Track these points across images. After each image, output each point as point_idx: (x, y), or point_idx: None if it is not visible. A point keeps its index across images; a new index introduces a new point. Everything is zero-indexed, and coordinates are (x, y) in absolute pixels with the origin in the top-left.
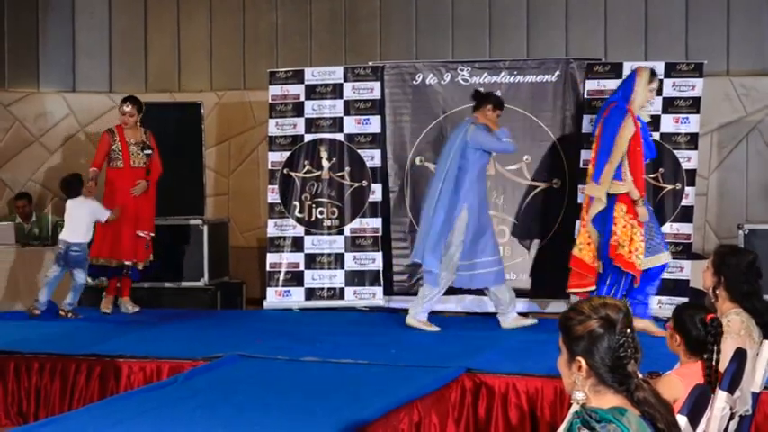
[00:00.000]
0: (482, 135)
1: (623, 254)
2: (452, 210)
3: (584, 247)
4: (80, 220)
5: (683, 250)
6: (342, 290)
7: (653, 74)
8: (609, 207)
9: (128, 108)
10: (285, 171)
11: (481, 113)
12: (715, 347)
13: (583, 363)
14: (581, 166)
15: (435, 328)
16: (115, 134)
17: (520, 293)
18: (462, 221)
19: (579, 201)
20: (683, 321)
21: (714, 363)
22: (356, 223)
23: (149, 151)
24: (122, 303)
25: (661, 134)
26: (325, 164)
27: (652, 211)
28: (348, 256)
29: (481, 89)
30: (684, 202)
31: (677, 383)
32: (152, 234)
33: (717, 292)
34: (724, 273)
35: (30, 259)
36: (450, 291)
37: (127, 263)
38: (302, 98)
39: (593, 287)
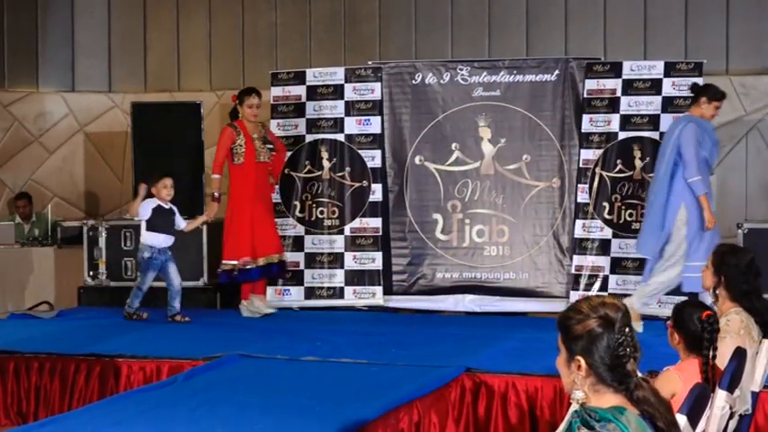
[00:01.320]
0: (688, 142)
1: None
2: (670, 208)
3: None
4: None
5: None
6: (341, 289)
7: None
8: None
9: (256, 100)
10: (286, 171)
11: (696, 107)
12: (711, 344)
13: (582, 362)
14: (580, 165)
15: (639, 328)
16: (239, 129)
17: (519, 293)
18: (682, 219)
19: (579, 200)
20: (682, 319)
21: (711, 359)
22: (356, 223)
23: (271, 146)
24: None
25: (660, 133)
26: (326, 164)
27: None
28: (348, 256)
29: (699, 82)
30: None
31: (675, 378)
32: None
33: (717, 292)
34: (724, 272)
35: (29, 259)
36: (450, 290)
37: (261, 261)
38: (303, 99)
39: None
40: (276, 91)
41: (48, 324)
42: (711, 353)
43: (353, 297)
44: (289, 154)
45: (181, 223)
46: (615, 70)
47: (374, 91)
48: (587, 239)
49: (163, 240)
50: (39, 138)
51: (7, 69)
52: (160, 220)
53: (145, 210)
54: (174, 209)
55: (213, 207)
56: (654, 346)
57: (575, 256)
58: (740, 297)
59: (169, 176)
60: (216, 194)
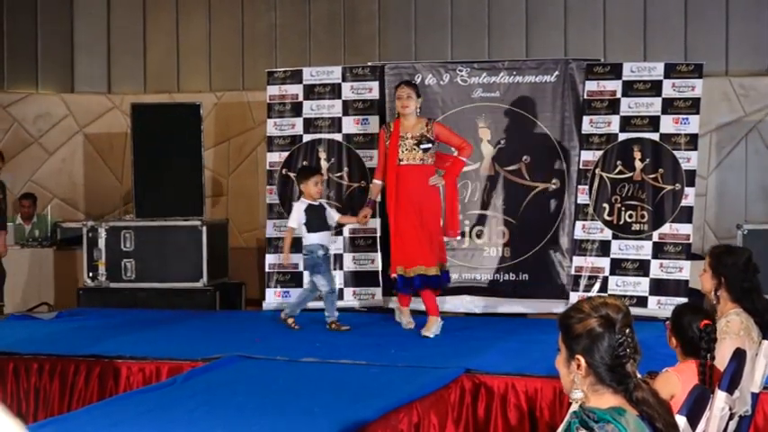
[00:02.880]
0: None
1: None
2: None
3: None
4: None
5: (683, 250)
6: (341, 290)
7: None
8: None
9: (403, 91)
10: (283, 171)
11: None
12: (708, 354)
13: (582, 361)
14: (580, 166)
15: None
16: (391, 128)
17: (519, 294)
18: None
19: (579, 201)
20: (680, 324)
21: (708, 368)
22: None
23: (427, 146)
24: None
25: (660, 135)
26: (324, 164)
27: None
28: (347, 257)
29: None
30: (684, 202)
31: (674, 379)
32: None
33: (718, 294)
34: (723, 273)
35: (29, 260)
36: (449, 291)
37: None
38: (300, 98)
39: None
40: (272, 90)
41: (47, 325)
42: (708, 361)
43: (353, 298)
44: (286, 154)
45: (334, 216)
46: (615, 72)
47: (372, 90)
48: (587, 241)
49: (322, 238)
50: (38, 139)
51: (7, 70)
52: (314, 219)
53: (299, 216)
54: (324, 203)
55: (362, 211)
56: (653, 347)
57: (574, 258)
58: (742, 296)
59: (320, 173)
60: (370, 198)
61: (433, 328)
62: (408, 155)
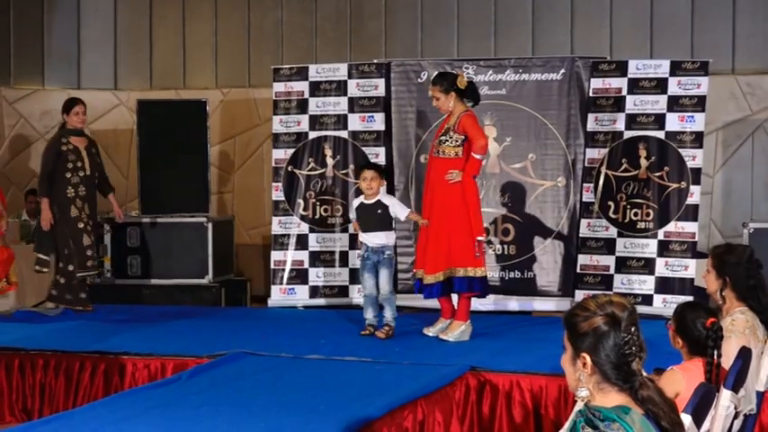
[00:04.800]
0: None
1: None
2: None
3: None
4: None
5: (688, 249)
6: (346, 288)
7: None
8: None
9: (430, 92)
10: (289, 168)
11: None
12: (715, 351)
13: (587, 359)
14: (585, 164)
15: None
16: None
17: (524, 292)
18: None
19: (584, 199)
20: (685, 324)
21: (714, 367)
22: None
23: (443, 137)
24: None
25: (666, 132)
26: (330, 161)
27: None
28: (352, 254)
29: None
30: (689, 200)
31: (679, 377)
32: (480, 237)
33: (723, 294)
34: (727, 272)
35: (34, 257)
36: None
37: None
38: (306, 95)
39: None
40: (278, 87)
41: (53, 321)
42: (715, 359)
43: (358, 295)
44: (291, 151)
45: (399, 214)
46: (621, 69)
47: (378, 87)
48: (592, 238)
49: (368, 239)
50: (44, 135)
51: (13, 66)
52: (362, 218)
53: (353, 209)
54: (387, 201)
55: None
56: (659, 345)
57: (580, 256)
58: (748, 294)
59: (368, 169)
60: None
61: (434, 329)
62: (439, 147)
